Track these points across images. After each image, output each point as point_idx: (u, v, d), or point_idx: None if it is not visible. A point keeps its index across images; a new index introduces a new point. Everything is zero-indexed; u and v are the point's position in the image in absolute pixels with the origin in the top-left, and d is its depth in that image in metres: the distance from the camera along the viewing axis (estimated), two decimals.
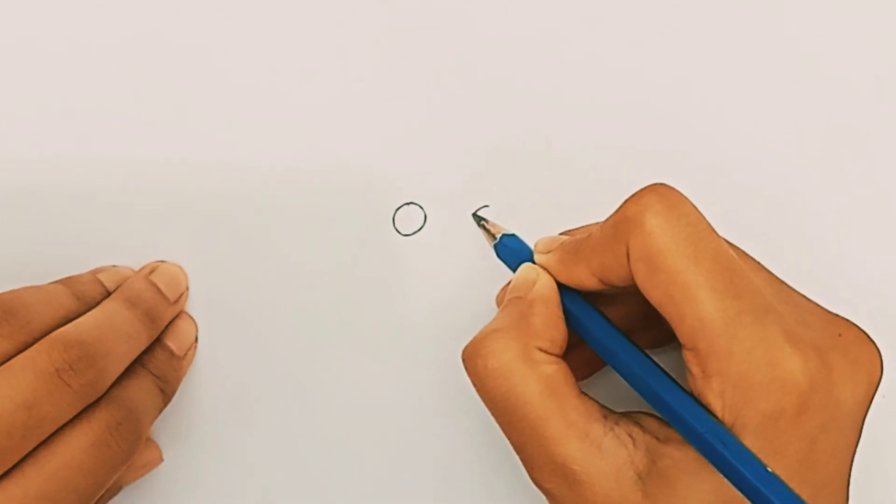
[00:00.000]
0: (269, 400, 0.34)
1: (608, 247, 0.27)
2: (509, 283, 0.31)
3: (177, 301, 0.33)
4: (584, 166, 0.35)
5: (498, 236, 0.32)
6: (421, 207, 0.35)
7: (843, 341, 0.27)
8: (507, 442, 0.29)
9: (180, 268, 0.34)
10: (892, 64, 0.35)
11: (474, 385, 0.28)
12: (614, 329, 0.28)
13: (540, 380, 0.27)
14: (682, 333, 0.26)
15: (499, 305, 0.32)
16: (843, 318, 0.28)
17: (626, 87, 0.35)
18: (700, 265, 0.26)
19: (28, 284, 0.30)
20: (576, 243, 0.29)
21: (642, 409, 0.28)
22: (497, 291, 0.34)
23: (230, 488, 0.34)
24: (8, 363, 0.27)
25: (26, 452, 0.26)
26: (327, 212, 0.35)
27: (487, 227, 0.33)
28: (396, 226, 0.35)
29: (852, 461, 0.27)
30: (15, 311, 0.28)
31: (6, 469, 0.26)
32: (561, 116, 0.35)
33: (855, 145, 0.35)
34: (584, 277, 0.28)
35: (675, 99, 0.35)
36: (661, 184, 0.27)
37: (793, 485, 0.25)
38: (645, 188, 0.27)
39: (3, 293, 0.29)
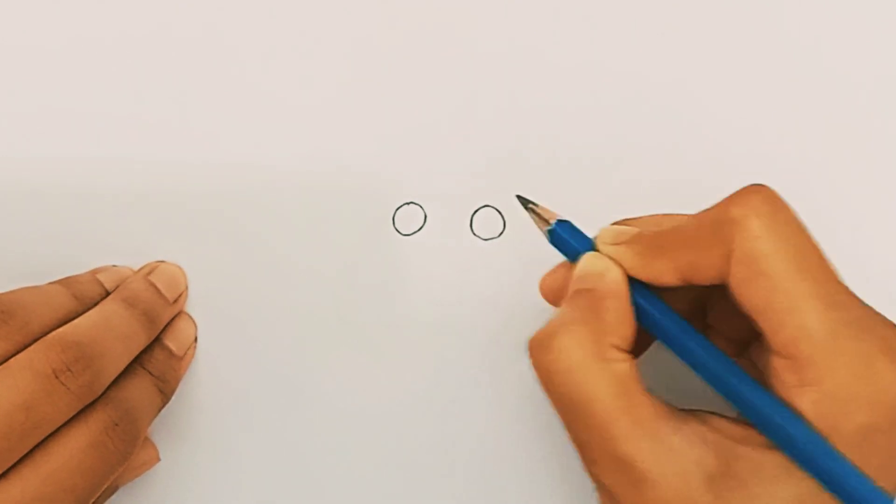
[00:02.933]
0: (267, 400, 0.34)
1: (703, 245, 0.26)
2: (555, 269, 0.30)
3: (176, 301, 0.33)
4: (585, 166, 0.35)
5: (552, 221, 0.30)
6: (421, 207, 0.35)
7: None
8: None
9: (179, 268, 0.34)
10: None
11: (541, 380, 0.27)
12: (692, 328, 0.28)
13: (612, 378, 0.26)
14: (778, 341, 0.25)
15: (544, 291, 0.31)
16: None
17: (627, 87, 0.35)
18: (805, 273, 0.25)
19: (27, 285, 0.30)
20: (657, 236, 0.28)
21: (708, 409, 0.28)
22: (498, 290, 0.34)
23: (229, 488, 0.34)
24: (6, 364, 0.27)
25: (24, 453, 0.26)
26: (327, 212, 0.35)
27: (538, 210, 0.30)
28: (396, 226, 0.35)
29: None
30: (13, 311, 0.28)
31: (4, 470, 0.26)
32: (561, 116, 0.35)
33: (864, 143, 0.35)
34: (663, 272, 0.27)
35: (677, 99, 0.35)
36: (764, 185, 0.26)
37: None
38: (748, 189, 0.26)
39: (1, 293, 0.29)
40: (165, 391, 0.32)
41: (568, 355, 0.27)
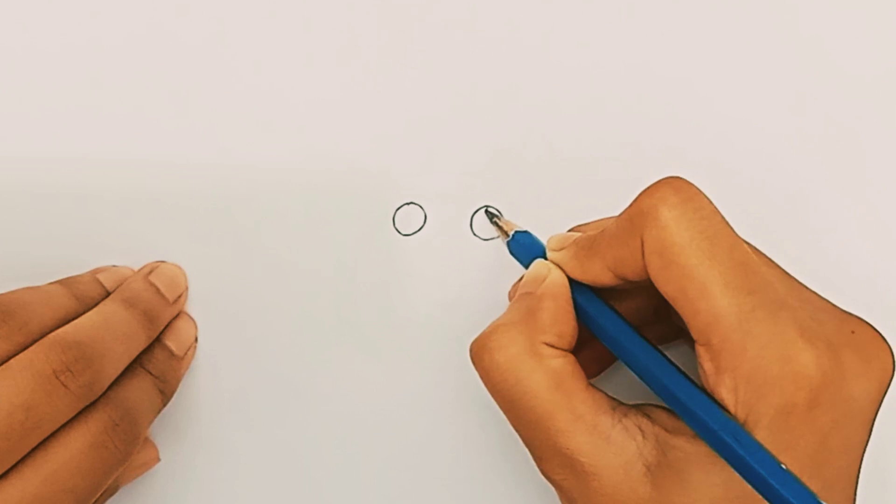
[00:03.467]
0: (268, 400, 0.34)
1: (623, 240, 0.27)
2: (521, 278, 0.31)
3: (176, 301, 0.33)
4: (585, 166, 0.35)
5: (511, 233, 0.32)
6: (421, 207, 0.35)
7: (856, 339, 0.27)
8: (508, 442, 0.29)
9: (179, 268, 0.34)
10: None
11: (482, 379, 0.28)
12: (626, 324, 0.28)
13: (546, 373, 0.27)
14: (694, 328, 0.26)
15: (511, 301, 0.32)
16: (855, 317, 0.28)
17: (628, 87, 0.35)
18: (715, 259, 0.26)
19: (27, 285, 0.30)
20: (590, 239, 0.29)
21: (652, 402, 0.28)
22: (498, 290, 0.34)
23: (228, 488, 0.34)
24: (6, 364, 0.27)
25: (24, 454, 0.26)
26: (327, 212, 0.35)
27: (500, 223, 0.33)
28: (396, 226, 0.35)
29: (862, 459, 0.27)
30: (13, 311, 0.28)
31: (4, 470, 0.26)
32: (562, 116, 0.35)
33: (866, 142, 0.35)
34: (598, 272, 0.28)
35: (678, 98, 0.35)
36: (677, 177, 0.27)
37: (803, 480, 0.25)
38: (660, 181, 0.27)
39: (1, 294, 0.29)
40: (166, 391, 0.32)
41: (503, 352, 0.28)
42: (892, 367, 0.27)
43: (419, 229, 0.35)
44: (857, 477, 0.27)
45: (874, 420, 0.27)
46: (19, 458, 0.26)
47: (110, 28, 0.35)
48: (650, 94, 0.35)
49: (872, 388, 0.27)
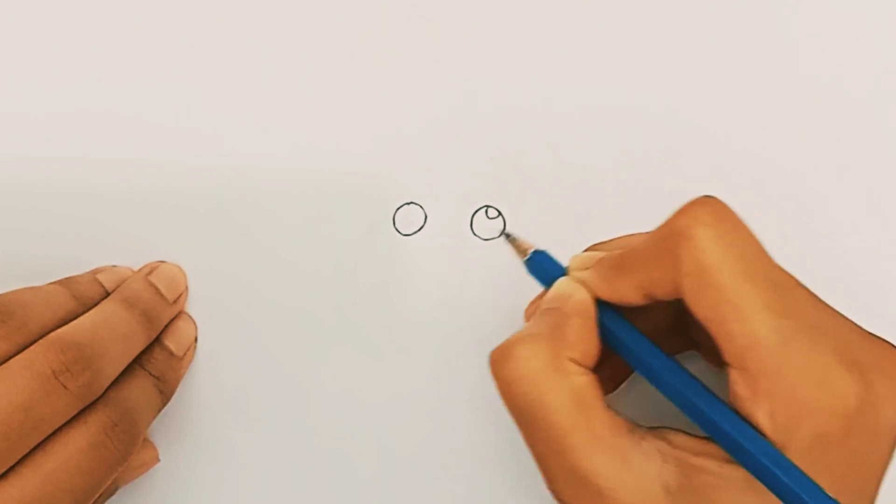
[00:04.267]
0: (267, 400, 0.34)
1: (656, 260, 0.26)
2: (539, 296, 0.30)
3: (176, 301, 0.33)
4: (585, 166, 0.35)
5: (529, 252, 0.31)
6: (421, 207, 0.35)
7: (884, 362, 0.26)
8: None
9: (179, 268, 0.34)
10: None
11: (500, 390, 0.28)
12: (653, 345, 0.28)
13: (569, 390, 0.26)
14: (730, 352, 0.25)
15: (527, 320, 0.32)
16: (880, 338, 0.27)
17: (628, 88, 0.35)
18: (752, 282, 0.25)
19: (27, 285, 0.30)
20: (617, 258, 0.28)
21: (669, 425, 0.28)
22: (498, 290, 0.34)
23: (228, 488, 0.34)
24: (5, 364, 0.27)
25: (23, 454, 0.26)
26: (327, 212, 0.35)
27: (518, 242, 0.32)
28: (396, 226, 0.35)
29: (882, 479, 0.27)
30: (13, 312, 0.28)
31: (3, 470, 0.26)
32: (562, 116, 0.35)
33: (863, 143, 0.35)
34: (628, 292, 0.27)
35: (679, 100, 0.35)
36: (712, 197, 0.26)
37: None
38: (694, 201, 0.26)
39: (1, 294, 0.29)
40: (165, 391, 0.32)
41: (525, 364, 0.27)
42: None
43: (419, 229, 0.35)
44: (876, 496, 0.27)
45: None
46: (18, 458, 0.26)
47: (110, 28, 0.35)
48: (651, 97, 0.35)
49: None
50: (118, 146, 0.35)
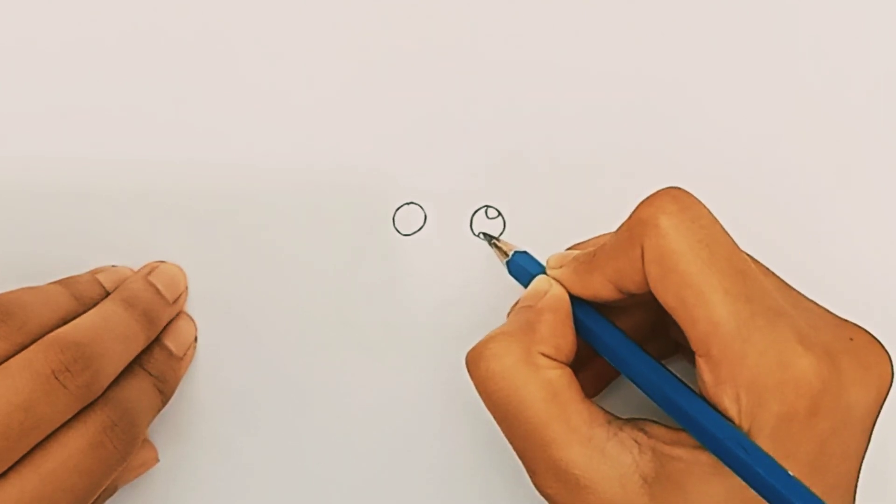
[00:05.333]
0: (267, 400, 0.34)
1: (623, 251, 0.27)
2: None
3: (175, 301, 0.33)
4: (585, 167, 0.35)
5: (510, 253, 0.32)
6: (421, 207, 0.35)
7: (854, 345, 0.27)
8: (504, 441, 0.28)
9: (179, 268, 0.34)
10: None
11: (477, 388, 0.28)
12: (627, 339, 0.28)
13: (542, 384, 0.27)
14: (694, 338, 0.26)
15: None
16: (852, 324, 0.28)
17: (627, 89, 0.35)
18: (713, 268, 0.25)
19: (27, 285, 0.30)
20: (589, 254, 0.29)
21: (648, 417, 0.28)
22: (498, 290, 0.34)
23: (228, 489, 0.34)
24: (5, 364, 0.27)
25: (23, 453, 0.26)
26: (327, 212, 0.35)
27: (499, 244, 0.33)
28: (396, 226, 0.35)
29: (860, 466, 0.27)
30: (12, 312, 0.28)
31: (3, 470, 0.26)
32: (561, 117, 0.35)
33: (861, 147, 0.35)
34: (599, 287, 0.28)
35: (677, 101, 0.35)
36: (676, 187, 0.27)
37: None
38: (659, 191, 0.27)
39: (1, 294, 0.29)
40: (165, 391, 0.32)
41: (498, 361, 0.27)
42: (890, 374, 0.27)
43: (419, 229, 0.34)
44: (856, 484, 0.27)
45: (873, 427, 0.27)
46: (18, 457, 0.26)
47: (111, 27, 0.35)
48: (650, 98, 0.35)
49: (871, 395, 0.27)
50: (118, 146, 0.35)
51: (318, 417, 0.34)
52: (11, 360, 0.27)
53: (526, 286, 0.30)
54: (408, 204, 0.35)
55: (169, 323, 0.33)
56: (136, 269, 0.34)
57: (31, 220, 0.34)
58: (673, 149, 0.35)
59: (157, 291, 0.33)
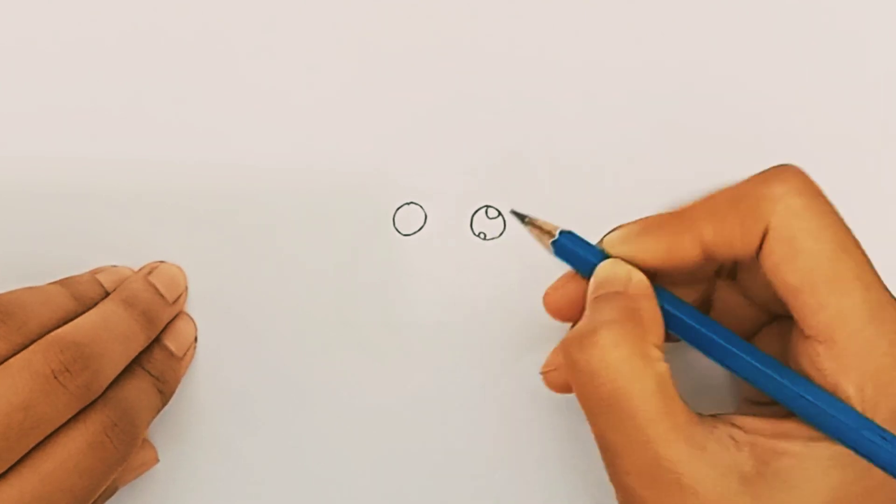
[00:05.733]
0: (267, 400, 0.34)
1: (734, 219, 0.26)
2: (562, 280, 0.30)
3: (176, 301, 0.33)
4: (586, 166, 0.35)
5: (556, 233, 0.29)
6: (421, 207, 0.35)
7: None
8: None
9: (179, 268, 0.34)
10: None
11: (579, 378, 0.26)
12: (721, 326, 0.27)
13: (654, 378, 0.26)
14: (816, 323, 0.25)
15: (551, 307, 0.30)
16: None
17: (628, 88, 0.35)
18: (847, 253, 0.25)
19: (27, 285, 0.30)
20: (672, 216, 0.27)
21: (729, 412, 0.28)
22: (497, 290, 0.34)
23: (228, 489, 0.34)
24: (5, 364, 0.27)
25: (23, 453, 0.26)
26: (327, 212, 0.34)
27: (538, 224, 0.30)
28: (396, 226, 0.35)
29: None
30: (12, 312, 0.28)
31: (3, 470, 0.26)
32: (562, 116, 0.35)
33: (864, 144, 0.35)
34: (687, 247, 0.27)
35: (679, 100, 0.35)
36: (795, 166, 0.26)
37: None
38: (784, 168, 0.26)
39: (0, 294, 0.29)
40: (165, 392, 0.32)
41: (611, 352, 0.26)
42: None
43: (419, 229, 0.34)
44: None
45: None
46: (18, 457, 0.26)
47: (111, 27, 0.35)
48: (651, 96, 0.35)
49: None
50: (118, 146, 0.35)
51: (318, 417, 0.34)
52: (11, 361, 0.27)
53: (579, 268, 0.29)
54: (408, 204, 0.35)
55: (169, 323, 0.33)
56: (136, 269, 0.34)
57: (31, 220, 0.34)
58: (673, 149, 0.35)
59: (157, 291, 0.33)
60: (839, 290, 0.25)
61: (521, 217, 0.30)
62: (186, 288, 0.34)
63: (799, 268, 0.25)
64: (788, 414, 0.26)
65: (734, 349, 0.27)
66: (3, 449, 0.26)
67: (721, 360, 0.27)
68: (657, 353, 0.26)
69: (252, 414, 0.34)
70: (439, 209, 0.34)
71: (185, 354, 0.33)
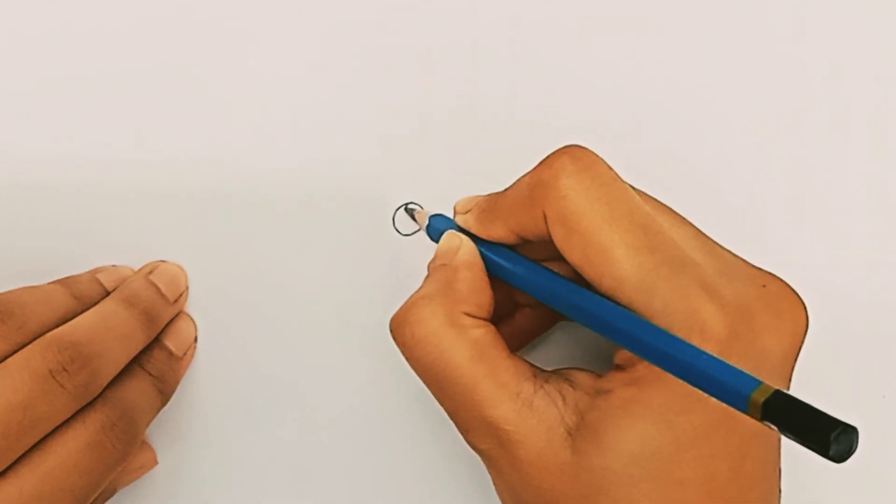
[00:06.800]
0: (267, 401, 0.34)
1: (524, 209, 0.27)
2: None
3: (176, 301, 0.33)
4: None
5: (426, 220, 0.32)
6: (421, 207, 0.34)
7: (767, 293, 0.27)
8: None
9: (180, 268, 0.34)
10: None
11: (403, 354, 0.28)
12: (547, 271, 0.28)
13: (468, 344, 0.27)
14: (602, 293, 0.26)
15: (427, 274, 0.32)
16: (767, 272, 0.28)
17: (628, 88, 0.35)
18: (614, 224, 0.26)
19: (27, 284, 0.30)
20: (490, 200, 0.29)
21: (572, 366, 0.29)
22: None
23: (228, 490, 0.34)
24: (3, 363, 0.27)
25: (22, 453, 0.26)
26: (327, 212, 0.34)
27: (416, 217, 0.33)
28: (396, 226, 0.35)
29: None
30: (11, 311, 0.28)
31: (2, 469, 0.26)
32: (562, 116, 0.35)
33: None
34: (502, 234, 0.29)
35: (678, 100, 0.35)
36: (575, 145, 0.27)
37: (720, 433, 0.25)
38: (558, 151, 0.27)
39: (0, 293, 0.29)
40: (164, 392, 0.32)
41: (424, 325, 0.28)
42: (804, 321, 0.27)
43: (419, 229, 0.34)
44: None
45: (791, 375, 0.27)
46: (17, 457, 0.26)
47: (111, 27, 0.35)
48: (651, 96, 0.35)
49: (785, 342, 0.27)
50: (119, 145, 0.35)
51: (318, 418, 0.34)
52: (10, 360, 0.27)
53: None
54: (408, 204, 0.35)
55: (169, 323, 0.33)
56: (136, 268, 0.34)
57: (31, 220, 0.34)
58: (674, 150, 0.35)
59: (158, 291, 0.33)
60: (609, 260, 0.26)
61: (410, 212, 0.34)
62: (187, 287, 0.34)
63: (575, 247, 0.26)
64: (615, 368, 0.27)
65: (550, 285, 0.28)
66: (2, 448, 0.26)
67: (550, 302, 0.28)
68: (469, 321, 0.28)
69: (251, 414, 0.34)
70: (439, 209, 0.34)
71: (185, 354, 0.33)
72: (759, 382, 0.21)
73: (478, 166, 0.35)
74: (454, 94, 0.35)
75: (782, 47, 0.35)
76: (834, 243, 0.35)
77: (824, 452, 0.18)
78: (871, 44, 0.35)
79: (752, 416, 0.20)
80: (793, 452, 0.27)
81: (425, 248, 0.34)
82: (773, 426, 0.20)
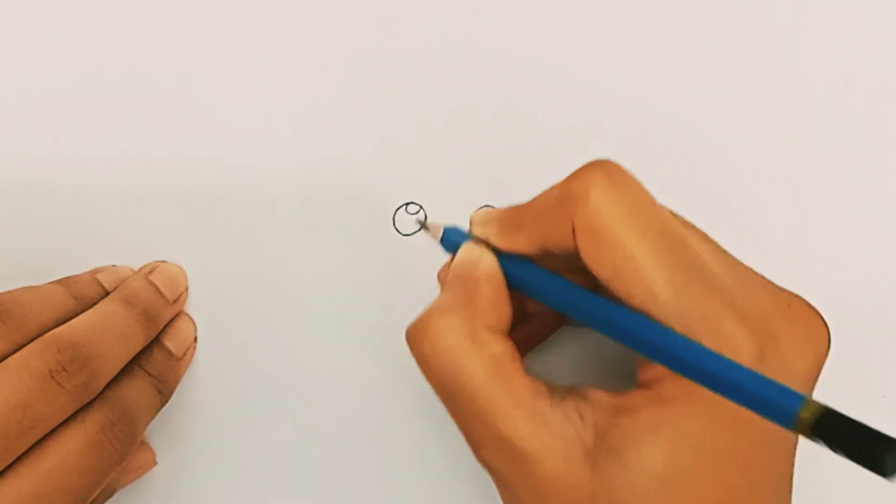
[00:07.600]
0: (267, 401, 0.34)
1: (551, 220, 0.27)
2: (450, 261, 0.31)
3: (176, 301, 0.33)
4: None
5: (441, 231, 0.31)
6: (421, 207, 0.34)
7: (792, 313, 0.27)
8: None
9: (180, 268, 0.34)
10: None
11: (419, 365, 0.28)
12: (574, 285, 0.28)
13: (488, 360, 0.27)
14: (633, 308, 0.26)
15: (441, 284, 0.32)
16: (789, 292, 0.28)
17: (628, 88, 0.35)
18: (646, 239, 0.26)
19: (26, 284, 0.30)
20: (514, 211, 0.29)
21: (586, 384, 0.28)
22: None
23: (227, 491, 0.34)
24: (3, 363, 0.27)
25: (21, 453, 0.27)
26: (327, 212, 0.34)
27: (428, 226, 0.33)
28: (396, 226, 0.35)
29: None
30: (11, 311, 0.28)
31: (1, 469, 0.26)
32: (561, 116, 0.35)
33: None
34: (524, 246, 0.28)
35: (677, 100, 0.35)
36: (606, 160, 0.27)
37: (742, 452, 0.25)
38: (589, 164, 0.27)
39: (0, 293, 0.29)
40: (164, 392, 0.32)
41: (443, 339, 0.27)
42: (827, 339, 0.27)
43: (419, 229, 0.34)
44: (796, 442, 0.27)
45: (812, 393, 0.27)
46: (16, 457, 0.26)
47: (111, 27, 0.35)
48: (650, 97, 0.35)
49: (809, 360, 0.27)
50: (119, 145, 0.35)
51: (318, 418, 0.34)
52: (9, 360, 0.27)
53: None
54: (408, 204, 0.35)
55: (169, 323, 0.33)
56: (136, 268, 0.34)
57: (31, 220, 0.34)
58: (674, 150, 0.35)
59: (158, 291, 0.33)
60: (641, 275, 0.25)
61: (420, 224, 0.34)
62: (187, 288, 0.34)
63: (605, 261, 0.26)
64: (639, 386, 0.27)
65: (583, 304, 0.27)
66: (2, 448, 0.26)
67: (579, 316, 0.28)
68: (489, 335, 0.27)
69: (251, 414, 0.34)
70: (439, 209, 0.34)
71: (184, 354, 0.33)
72: (805, 400, 0.21)
73: (478, 166, 0.35)
74: (454, 94, 0.35)
75: (783, 48, 0.35)
76: (834, 243, 0.35)
77: (879, 471, 0.18)
78: (873, 46, 0.35)
79: (801, 434, 0.20)
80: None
81: (425, 249, 0.34)
82: (822, 443, 0.19)
